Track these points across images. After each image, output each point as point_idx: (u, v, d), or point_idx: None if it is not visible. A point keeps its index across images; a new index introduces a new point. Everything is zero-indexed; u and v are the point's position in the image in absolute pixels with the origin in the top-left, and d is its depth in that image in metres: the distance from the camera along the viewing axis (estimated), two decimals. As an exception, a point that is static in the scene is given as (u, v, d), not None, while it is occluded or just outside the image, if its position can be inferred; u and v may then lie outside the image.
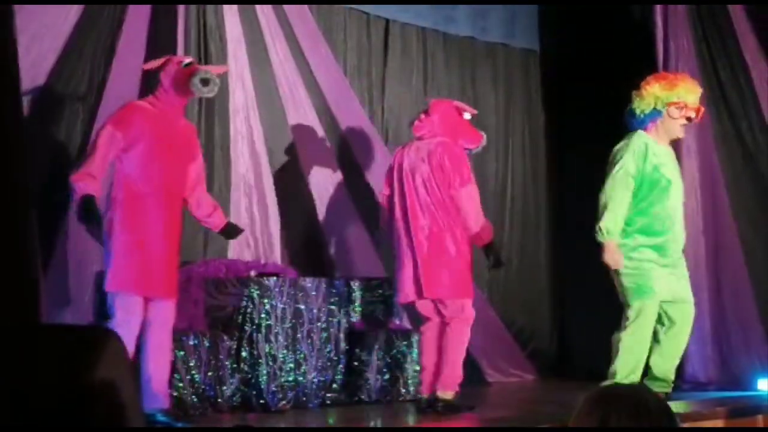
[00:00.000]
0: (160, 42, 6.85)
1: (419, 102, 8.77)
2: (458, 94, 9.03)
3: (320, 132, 7.56)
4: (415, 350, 7.02)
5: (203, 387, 6.08)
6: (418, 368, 7.01)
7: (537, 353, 8.79)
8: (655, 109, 5.87)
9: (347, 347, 6.82)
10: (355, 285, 7.15)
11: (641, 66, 8.10)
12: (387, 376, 6.99)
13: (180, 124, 5.78)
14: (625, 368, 6.06)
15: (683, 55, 8.13)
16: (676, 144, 7.82)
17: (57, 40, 6.49)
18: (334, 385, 6.72)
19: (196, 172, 5.83)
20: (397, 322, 7.37)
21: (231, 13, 7.09)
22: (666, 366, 6.29)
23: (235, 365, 6.27)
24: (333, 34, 8.10)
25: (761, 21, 8.37)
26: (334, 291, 6.81)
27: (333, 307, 6.76)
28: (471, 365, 7.21)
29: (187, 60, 5.77)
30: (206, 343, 6.15)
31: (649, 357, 6.26)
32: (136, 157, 5.52)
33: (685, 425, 5.43)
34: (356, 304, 7.12)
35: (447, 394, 6.02)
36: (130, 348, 5.41)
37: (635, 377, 6.00)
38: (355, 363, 6.86)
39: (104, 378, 3.81)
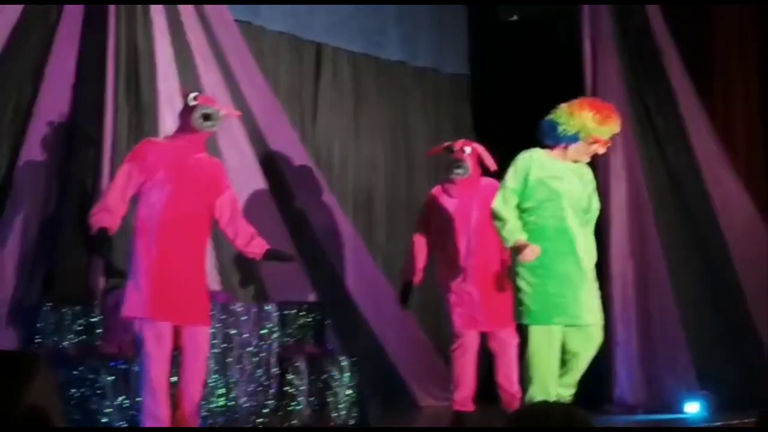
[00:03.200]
0: (89, 64, 6.81)
1: (351, 125, 8.82)
2: (389, 118, 9.11)
3: (251, 156, 7.55)
4: (347, 374, 7.04)
5: (132, 412, 6.03)
6: (349, 392, 7.04)
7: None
8: (576, 134, 5.83)
9: (278, 372, 6.81)
10: (288, 311, 7.15)
11: (569, 91, 8.15)
12: (317, 401, 6.98)
13: (196, 158, 5.77)
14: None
15: (610, 81, 8.22)
16: (605, 167, 7.93)
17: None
18: (265, 410, 6.69)
19: (226, 205, 5.83)
20: (329, 346, 7.37)
21: (161, 36, 7.06)
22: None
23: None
24: (265, 57, 8.11)
25: (688, 48, 8.53)
26: (264, 315, 6.79)
27: (264, 331, 6.74)
28: (402, 390, 7.23)
29: (193, 95, 5.75)
30: (135, 368, 6.09)
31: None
32: (153, 189, 5.58)
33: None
34: (288, 328, 7.11)
35: None
36: (162, 371, 5.50)
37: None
38: (286, 388, 6.84)
39: (31, 402, 3.77)
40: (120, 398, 5.99)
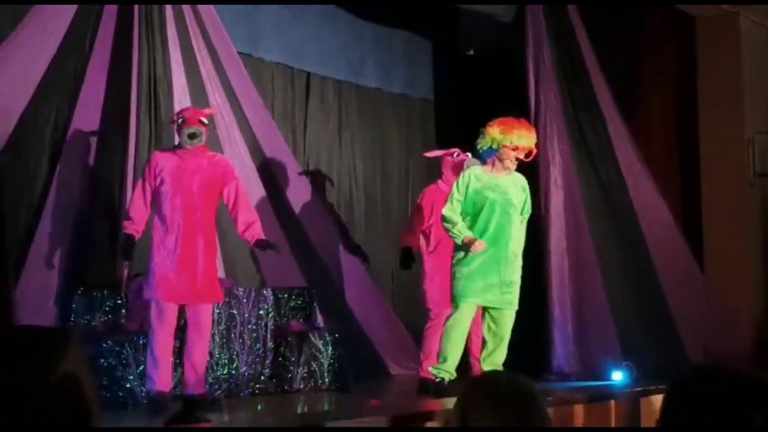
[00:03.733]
0: (116, 88, 6.80)
1: (334, 140, 8.83)
2: (367, 135, 9.13)
3: (251, 166, 7.54)
4: (330, 347, 7.04)
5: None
6: (331, 362, 7.04)
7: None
8: (491, 147, 6.00)
9: (273, 345, 6.81)
10: (281, 294, 7.15)
11: (518, 113, 8.20)
12: (306, 369, 6.98)
13: (198, 162, 5.80)
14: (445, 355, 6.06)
15: (550, 106, 8.24)
16: (546, 178, 7.95)
17: (28, 87, 6.42)
18: (262, 377, 6.71)
19: (231, 193, 5.85)
20: (316, 324, 7.37)
21: (176, 65, 7.05)
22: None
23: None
24: (263, 84, 8.12)
25: (616, 80, 8.57)
26: (262, 299, 6.79)
27: (261, 312, 6.75)
28: (376, 360, 7.22)
29: (180, 119, 5.83)
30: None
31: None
32: (164, 193, 5.67)
33: (551, 409, 5.49)
34: (281, 309, 7.11)
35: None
36: (169, 344, 5.60)
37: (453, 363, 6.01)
38: (280, 359, 6.84)
39: (66, 371, 3.76)
40: (140, 367, 5.97)
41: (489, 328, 6.06)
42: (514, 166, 6.10)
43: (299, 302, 7.31)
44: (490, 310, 6.03)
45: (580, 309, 7.91)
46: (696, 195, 9.22)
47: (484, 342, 6.12)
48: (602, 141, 8.33)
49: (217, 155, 6.07)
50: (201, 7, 7.25)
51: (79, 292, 6.34)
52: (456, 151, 7.00)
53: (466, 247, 5.89)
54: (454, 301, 6.03)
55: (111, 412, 5.40)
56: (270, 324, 6.83)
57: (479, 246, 5.86)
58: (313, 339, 7.07)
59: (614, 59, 8.70)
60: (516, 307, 6.06)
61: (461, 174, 6.18)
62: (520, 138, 6.01)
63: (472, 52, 10.09)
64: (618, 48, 8.91)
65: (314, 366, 7.02)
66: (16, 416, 3.53)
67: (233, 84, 7.43)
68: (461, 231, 5.93)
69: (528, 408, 2.26)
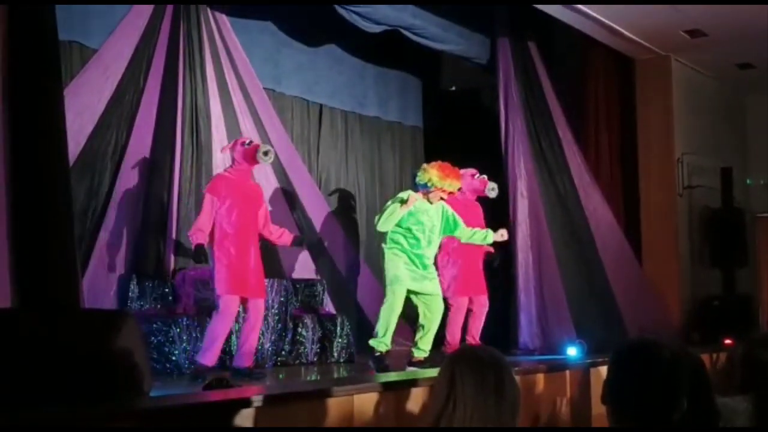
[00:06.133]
0: (165, 118, 6.81)
1: (342, 160, 8.82)
2: (368, 158, 9.11)
3: (274, 179, 7.54)
4: (339, 328, 7.02)
5: (193, 353, 6.01)
6: (340, 340, 7.02)
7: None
8: (426, 184, 6.02)
9: (292, 326, 6.80)
10: (299, 284, 7.14)
11: (492, 140, 8.24)
12: (319, 345, 6.97)
13: (249, 185, 5.88)
14: (382, 329, 6.00)
15: (518, 131, 8.24)
16: (513, 190, 7.95)
17: (93, 115, 6.42)
18: (283, 352, 6.70)
19: (263, 214, 5.93)
20: (327, 309, 7.36)
21: (213, 97, 7.07)
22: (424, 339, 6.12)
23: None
24: (284, 114, 8.12)
25: (570, 108, 8.60)
26: (283, 288, 6.78)
27: (282, 299, 6.74)
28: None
29: (248, 140, 5.89)
30: (195, 324, 6.08)
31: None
32: (225, 210, 5.64)
33: (518, 377, 5.48)
34: (299, 296, 7.10)
35: None
36: (227, 330, 5.65)
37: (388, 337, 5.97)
38: (297, 337, 6.83)
39: (124, 346, 3.76)
40: (184, 345, 5.97)
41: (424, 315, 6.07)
42: (439, 200, 6.12)
43: (313, 291, 7.31)
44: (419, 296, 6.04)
45: (542, 296, 7.88)
46: (635, 203, 9.21)
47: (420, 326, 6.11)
48: (558, 159, 8.33)
49: (253, 181, 6.04)
50: (233, 51, 7.27)
51: (134, 282, 6.35)
52: (475, 172, 7.00)
53: (403, 202, 5.93)
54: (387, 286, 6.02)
55: (160, 380, 5.40)
56: (290, 308, 6.83)
57: (414, 196, 5.95)
58: (324, 321, 7.07)
59: (568, 91, 8.72)
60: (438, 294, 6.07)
61: (398, 194, 6.21)
62: (451, 185, 6.07)
63: (454, 87, 10.14)
64: (571, 82, 8.93)
65: (325, 343, 7.02)
66: (84, 379, 3.53)
67: (260, 113, 7.44)
68: (402, 196, 5.98)
69: (503, 374, 2.29)
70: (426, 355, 6.07)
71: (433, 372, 5.06)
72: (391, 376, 5.29)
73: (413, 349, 6.11)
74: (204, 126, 6.98)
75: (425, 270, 6.05)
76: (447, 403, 2.25)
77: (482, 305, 6.84)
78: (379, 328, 5.96)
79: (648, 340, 2.34)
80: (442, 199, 6.13)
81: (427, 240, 6.07)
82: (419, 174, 6.13)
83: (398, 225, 6.01)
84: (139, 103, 6.70)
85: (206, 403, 3.88)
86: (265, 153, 5.74)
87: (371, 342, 6.01)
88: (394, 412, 4.48)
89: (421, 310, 6.08)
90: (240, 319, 5.89)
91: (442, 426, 2.26)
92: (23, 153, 3.96)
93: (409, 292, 6.00)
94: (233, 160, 5.83)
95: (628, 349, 2.35)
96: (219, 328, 5.57)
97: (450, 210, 6.24)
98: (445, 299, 6.34)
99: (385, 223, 5.98)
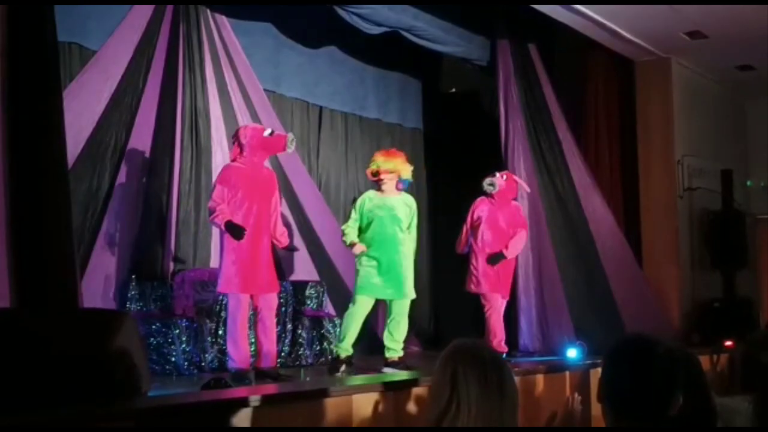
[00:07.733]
0: (164, 117, 6.81)
1: (341, 161, 8.82)
2: (367, 157, 9.06)
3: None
4: (337, 329, 7.02)
5: (192, 354, 6.01)
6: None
7: (420, 332, 8.80)
8: (376, 172, 6.04)
9: (291, 327, 6.80)
10: (298, 286, 7.13)
11: (492, 141, 8.25)
12: (318, 347, 6.97)
13: (262, 172, 5.69)
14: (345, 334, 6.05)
15: (518, 133, 8.25)
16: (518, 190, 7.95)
17: (93, 116, 6.43)
18: (282, 353, 6.68)
19: (274, 203, 5.73)
20: (325, 311, 7.36)
21: (213, 98, 7.07)
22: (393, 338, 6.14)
23: (213, 340, 6.22)
24: (284, 115, 8.12)
25: (570, 110, 8.60)
26: (283, 289, 6.77)
27: (282, 300, 6.73)
28: (373, 341, 7.20)
29: (268, 131, 5.71)
30: (194, 325, 6.08)
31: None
32: (236, 200, 5.47)
33: (518, 378, 5.48)
34: (298, 297, 7.09)
35: None
36: (246, 329, 5.50)
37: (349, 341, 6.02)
38: (297, 338, 6.83)
39: (122, 346, 3.76)
40: (183, 345, 5.97)
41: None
42: (393, 187, 6.11)
43: (312, 292, 7.30)
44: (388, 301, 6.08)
45: (542, 298, 7.88)
46: (635, 205, 9.22)
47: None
48: (558, 161, 8.34)
49: (266, 167, 5.87)
50: (233, 52, 7.27)
51: (134, 283, 6.35)
52: (506, 174, 7.01)
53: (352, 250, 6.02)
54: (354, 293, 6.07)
55: (159, 381, 5.39)
56: (289, 310, 6.83)
57: (358, 249, 5.98)
58: (323, 322, 7.07)
59: (568, 93, 8.73)
60: (410, 296, 6.07)
61: (358, 198, 6.28)
62: (395, 165, 6.07)
63: (453, 89, 10.14)
64: (571, 83, 8.94)
65: (324, 344, 7.02)
66: (82, 379, 3.54)
67: (259, 115, 7.43)
68: (349, 238, 6.04)
69: (504, 372, 2.26)
70: (400, 354, 6.08)
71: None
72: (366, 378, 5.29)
73: (386, 350, 6.10)
74: (204, 127, 6.98)
75: (395, 272, 6.00)
76: (450, 403, 2.18)
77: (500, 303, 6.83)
78: (340, 333, 6.01)
79: (642, 335, 2.34)
80: (398, 189, 6.11)
81: (397, 229, 6.05)
82: (369, 167, 6.16)
83: (362, 232, 6.06)
84: (138, 104, 6.71)
85: (205, 403, 3.88)
86: (292, 141, 5.65)
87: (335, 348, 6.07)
88: (393, 412, 4.48)
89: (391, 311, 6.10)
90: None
91: (444, 427, 2.19)
92: (22, 154, 3.97)
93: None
94: (244, 149, 5.58)
95: (623, 344, 2.35)
96: (234, 328, 5.44)
97: (415, 206, 6.23)
98: (480, 296, 6.54)
99: (349, 237, 6.05)
